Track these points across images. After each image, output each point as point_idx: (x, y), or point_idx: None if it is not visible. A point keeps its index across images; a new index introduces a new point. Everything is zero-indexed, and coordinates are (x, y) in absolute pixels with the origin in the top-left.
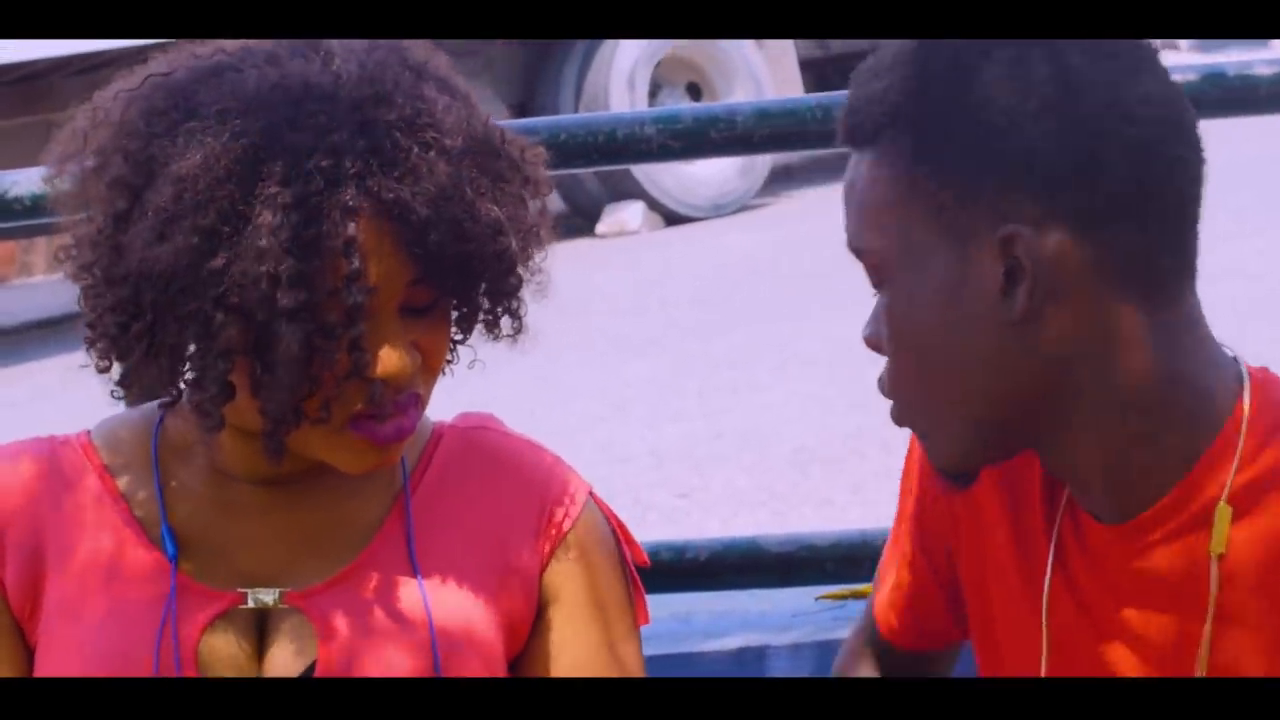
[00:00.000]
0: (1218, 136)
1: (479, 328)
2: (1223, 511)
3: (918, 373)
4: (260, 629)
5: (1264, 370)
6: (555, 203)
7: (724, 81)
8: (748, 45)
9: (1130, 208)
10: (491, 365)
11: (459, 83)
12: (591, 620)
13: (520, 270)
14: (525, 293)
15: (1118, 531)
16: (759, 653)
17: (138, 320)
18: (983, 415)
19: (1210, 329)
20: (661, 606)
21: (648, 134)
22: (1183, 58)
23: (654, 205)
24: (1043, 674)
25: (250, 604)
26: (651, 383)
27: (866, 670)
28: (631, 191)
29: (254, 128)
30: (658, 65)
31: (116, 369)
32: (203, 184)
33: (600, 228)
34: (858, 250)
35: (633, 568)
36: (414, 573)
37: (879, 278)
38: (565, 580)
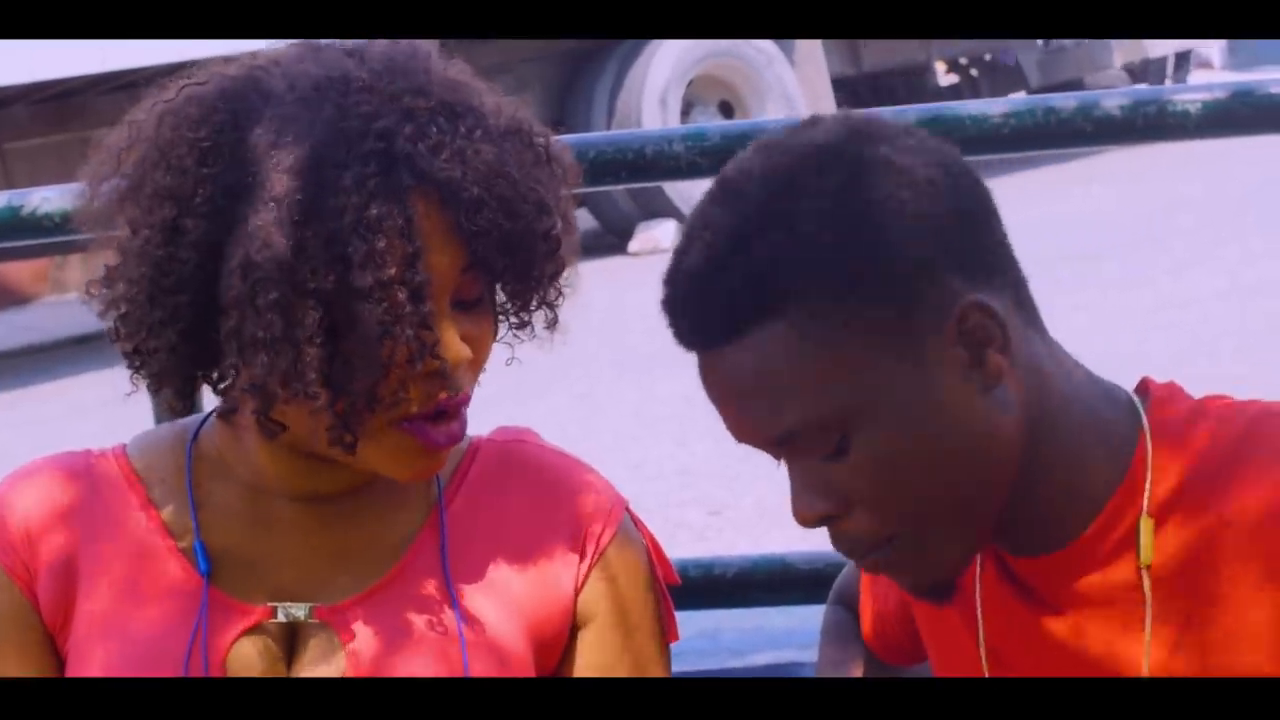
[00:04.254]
0: (1247, 156)
1: (514, 325)
2: (1145, 524)
3: (915, 501)
4: (290, 644)
5: (1154, 384)
6: (587, 220)
7: (756, 100)
8: (780, 63)
9: (1003, 246)
10: (526, 383)
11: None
12: (624, 641)
13: (562, 256)
14: (562, 284)
15: (1044, 562)
16: (787, 670)
17: (206, 319)
18: (984, 502)
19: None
20: (690, 624)
21: (676, 151)
22: (1213, 76)
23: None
24: None
25: (280, 618)
26: (683, 400)
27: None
28: (664, 209)
29: (307, 120)
30: (690, 84)
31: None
32: (276, 177)
33: (633, 246)
34: (794, 433)
35: (663, 586)
36: (447, 588)
37: (833, 444)
38: (600, 600)
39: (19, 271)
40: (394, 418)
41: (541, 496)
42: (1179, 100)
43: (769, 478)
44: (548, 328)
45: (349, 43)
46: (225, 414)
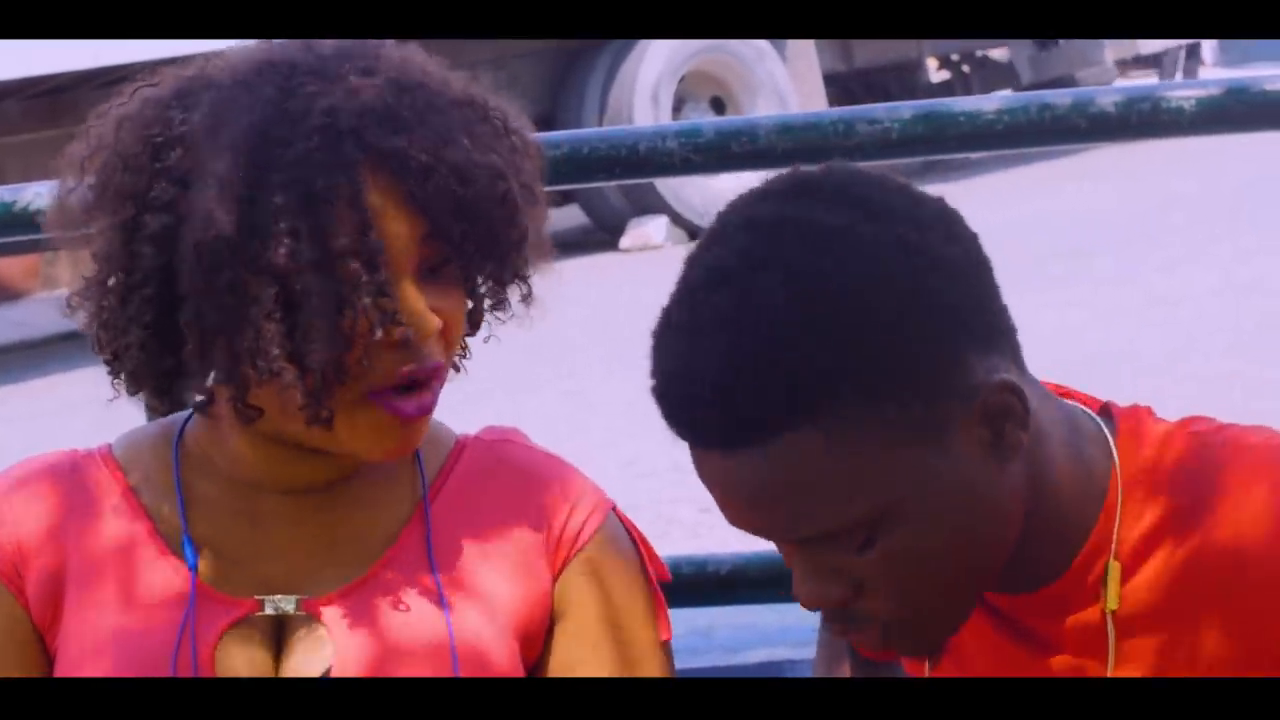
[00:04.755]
0: (1241, 152)
1: (487, 300)
2: (1113, 569)
3: (932, 584)
4: (278, 636)
5: (1121, 412)
6: (579, 217)
7: (748, 95)
8: (771, 60)
9: (1001, 303)
10: (518, 379)
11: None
12: (605, 635)
13: (522, 221)
14: (532, 257)
15: (1022, 600)
16: (780, 668)
17: (172, 312)
18: (994, 567)
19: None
20: (683, 621)
21: (669, 148)
22: (1207, 73)
23: (678, 220)
24: None
25: (267, 611)
26: None
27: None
28: (655, 206)
29: (246, 101)
30: (681, 80)
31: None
32: (213, 156)
33: (624, 242)
34: (818, 536)
35: (655, 583)
36: (433, 579)
37: (858, 542)
38: (578, 594)
39: (10, 267)
40: (363, 390)
41: (526, 493)
42: (1173, 97)
43: None
44: (523, 301)
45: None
46: (203, 407)
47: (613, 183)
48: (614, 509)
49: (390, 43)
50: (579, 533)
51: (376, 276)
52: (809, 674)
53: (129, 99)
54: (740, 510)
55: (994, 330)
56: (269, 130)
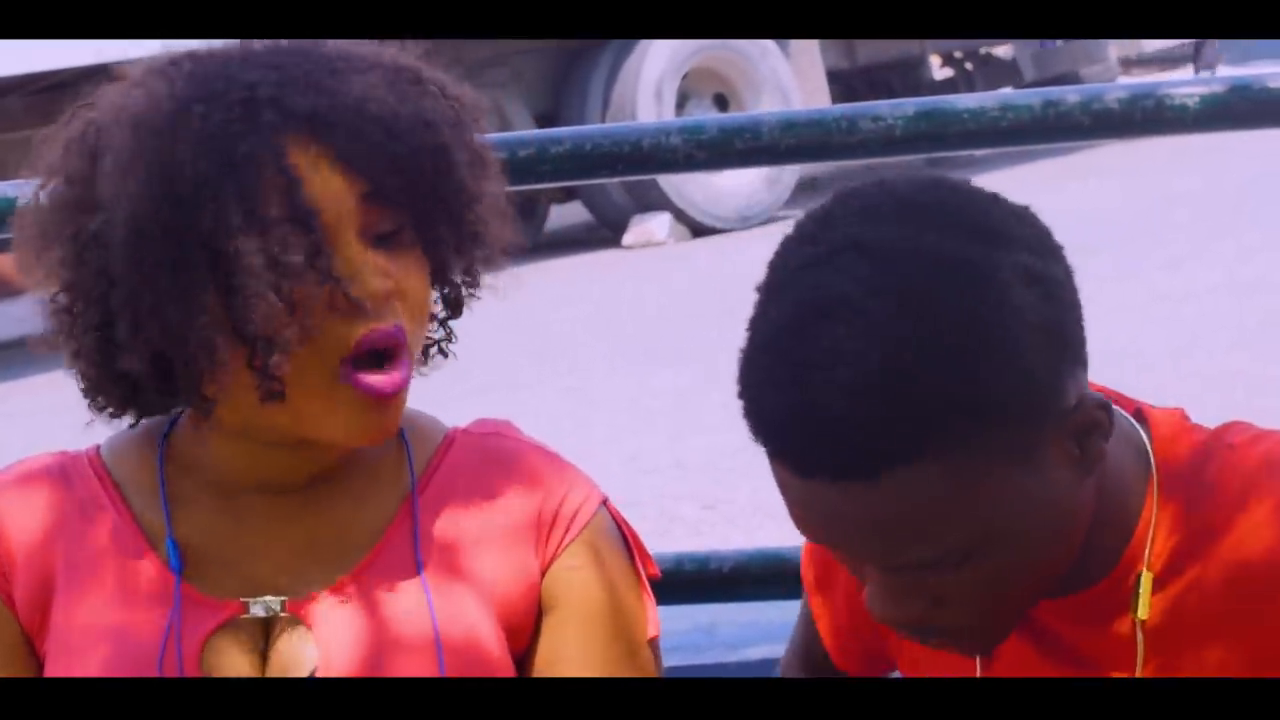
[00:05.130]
0: (1244, 150)
1: (454, 269)
2: (1145, 579)
3: (1013, 596)
4: (264, 638)
5: (1161, 417)
6: (581, 214)
7: (751, 92)
8: (775, 56)
9: (1081, 314)
10: (519, 376)
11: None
12: (591, 630)
13: (469, 180)
14: (489, 218)
15: (1058, 604)
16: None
17: (115, 291)
18: (1057, 577)
19: None
20: (685, 618)
21: (673, 144)
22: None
23: (681, 217)
24: None
25: (253, 613)
26: (677, 394)
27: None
28: (658, 203)
29: (172, 89)
30: (685, 76)
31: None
32: (137, 136)
33: (627, 239)
34: (921, 563)
35: (644, 579)
36: (419, 577)
37: (953, 564)
38: (565, 588)
39: (12, 263)
40: (328, 369)
41: (516, 487)
42: (1177, 94)
43: (762, 472)
44: (486, 266)
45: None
46: (170, 406)
47: (616, 179)
48: (605, 502)
49: (330, 41)
50: (568, 526)
51: (312, 237)
52: None
53: (70, 120)
54: (834, 535)
55: (1082, 344)
56: (189, 107)
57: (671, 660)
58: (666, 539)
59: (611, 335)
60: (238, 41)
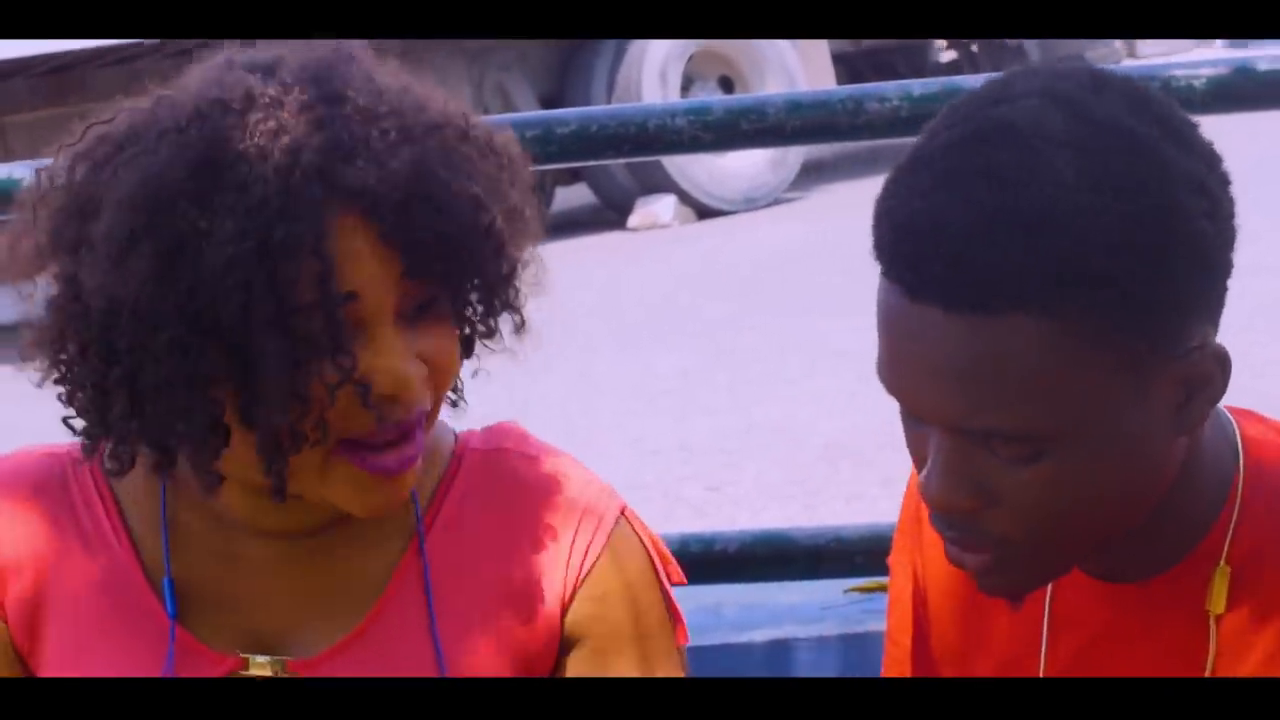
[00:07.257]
0: (1249, 131)
1: (479, 331)
2: (1221, 572)
3: (1067, 522)
4: None
5: (1248, 416)
6: (586, 196)
7: (756, 75)
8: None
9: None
10: (525, 361)
11: (411, 76)
12: (625, 652)
13: (510, 251)
14: (521, 283)
15: (1124, 590)
16: (788, 645)
17: (115, 368)
18: (1114, 532)
19: None
20: (690, 599)
21: (679, 125)
22: (1214, 52)
23: (686, 199)
24: None
25: (251, 672)
26: (683, 376)
27: None
28: (663, 185)
29: (197, 140)
30: (690, 59)
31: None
32: (150, 205)
33: (632, 221)
34: (994, 432)
35: (669, 589)
36: (429, 628)
37: (1024, 453)
38: (589, 622)
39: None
40: (330, 447)
41: (525, 512)
42: (1182, 76)
43: (767, 454)
44: (515, 332)
45: (274, 53)
46: (163, 469)
47: (621, 160)
48: (623, 511)
49: (357, 54)
50: (585, 555)
51: (336, 336)
52: (816, 652)
53: (81, 138)
54: (922, 376)
55: (1221, 299)
56: (220, 173)
57: None
58: (672, 521)
59: (616, 317)
60: (261, 69)
